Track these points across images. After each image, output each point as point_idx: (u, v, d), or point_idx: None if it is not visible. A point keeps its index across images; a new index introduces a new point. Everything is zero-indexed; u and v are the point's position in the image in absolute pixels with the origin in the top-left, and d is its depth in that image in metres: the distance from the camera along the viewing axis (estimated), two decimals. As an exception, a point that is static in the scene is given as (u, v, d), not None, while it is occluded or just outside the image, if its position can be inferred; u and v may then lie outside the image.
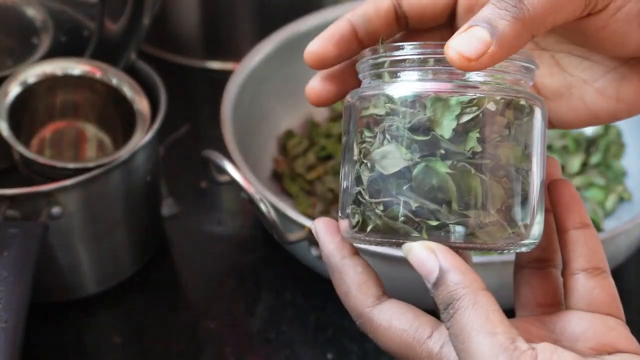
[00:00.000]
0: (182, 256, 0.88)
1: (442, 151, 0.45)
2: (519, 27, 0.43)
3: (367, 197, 0.46)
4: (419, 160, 0.45)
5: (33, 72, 0.80)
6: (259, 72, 0.92)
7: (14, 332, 0.63)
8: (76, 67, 0.81)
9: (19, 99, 0.79)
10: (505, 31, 0.43)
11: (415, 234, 0.45)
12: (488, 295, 0.44)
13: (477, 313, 0.43)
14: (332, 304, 0.82)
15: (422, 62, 0.46)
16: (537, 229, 0.47)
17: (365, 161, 0.47)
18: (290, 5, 1.05)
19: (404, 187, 0.46)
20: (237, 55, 1.00)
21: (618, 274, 0.83)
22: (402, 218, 0.46)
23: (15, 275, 0.67)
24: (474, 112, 0.45)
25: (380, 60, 0.47)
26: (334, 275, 0.48)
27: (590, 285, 0.48)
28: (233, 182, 0.75)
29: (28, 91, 0.80)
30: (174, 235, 0.89)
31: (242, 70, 0.91)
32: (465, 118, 0.45)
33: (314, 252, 0.77)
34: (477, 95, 0.45)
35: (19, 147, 0.77)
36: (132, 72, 0.83)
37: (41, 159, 0.77)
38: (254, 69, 0.92)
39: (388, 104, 0.46)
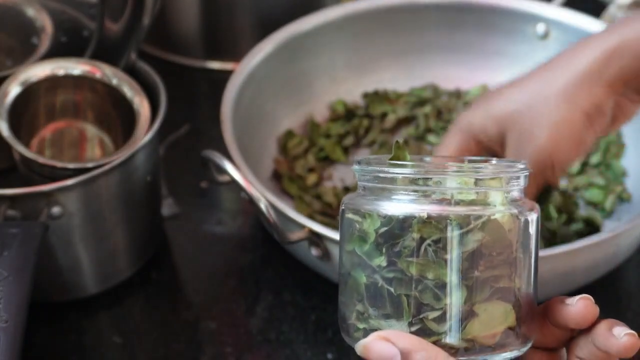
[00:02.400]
0: (182, 256, 0.88)
1: (362, 262, 0.48)
2: None
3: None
4: (349, 269, 0.49)
5: (33, 72, 0.80)
6: (259, 72, 0.92)
7: (14, 332, 0.63)
8: (76, 67, 0.81)
9: (19, 99, 0.79)
10: None
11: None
12: None
13: None
14: (332, 304, 0.82)
15: (363, 177, 0.49)
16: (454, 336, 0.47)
17: None
18: (290, 5, 1.05)
19: (344, 292, 0.50)
20: (237, 55, 1.00)
21: (618, 274, 0.83)
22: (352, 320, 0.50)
23: (15, 275, 0.67)
24: (387, 227, 0.47)
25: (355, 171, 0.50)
26: None
27: None
28: (233, 182, 0.75)
29: (28, 91, 0.80)
30: (174, 235, 0.89)
31: (242, 70, 0.91)
32: (381, 231, 0.47)
33: (314, 252, 0.77)
34: (391, 214, 0.47)
35: (19, 147, 0.77)
36: (132, 72, 0.83)
37: (41, 159, 0.77)
38: (254, 69, 0.92)
39: (345, 214, 0.49)
